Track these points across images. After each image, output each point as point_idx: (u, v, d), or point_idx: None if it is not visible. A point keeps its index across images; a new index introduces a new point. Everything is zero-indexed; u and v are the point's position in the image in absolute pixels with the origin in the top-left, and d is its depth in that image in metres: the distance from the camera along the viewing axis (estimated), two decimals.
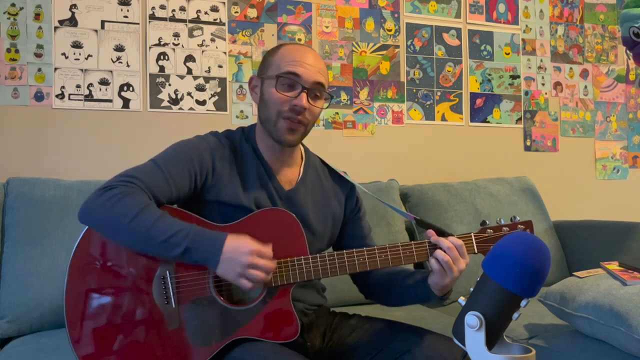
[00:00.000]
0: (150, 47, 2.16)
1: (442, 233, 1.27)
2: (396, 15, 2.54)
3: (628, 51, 2.07)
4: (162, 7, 2.18)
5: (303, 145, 1.42)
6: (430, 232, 1.26)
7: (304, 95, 1.24)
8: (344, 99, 2.43)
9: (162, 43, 2.17)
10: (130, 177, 1.16)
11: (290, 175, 1.35)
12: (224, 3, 2.27)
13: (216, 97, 2.24)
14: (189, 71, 2.21)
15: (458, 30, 2.65)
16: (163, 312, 1.15)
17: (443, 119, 2.60)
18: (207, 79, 2.23)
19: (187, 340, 1.15)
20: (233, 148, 1.31)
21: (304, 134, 1.29)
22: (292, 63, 1.24)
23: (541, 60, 2.81)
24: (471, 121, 2.66)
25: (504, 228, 1.30)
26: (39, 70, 2.02)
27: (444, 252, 1.20)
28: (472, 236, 1.28)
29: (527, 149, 2.77)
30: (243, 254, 1.10)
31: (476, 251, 1.28)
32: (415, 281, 1.30)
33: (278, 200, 1.30)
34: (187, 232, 1.10)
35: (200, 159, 1.24)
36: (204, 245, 1.11)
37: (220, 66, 2.25)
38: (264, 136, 1.31)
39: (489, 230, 1.29)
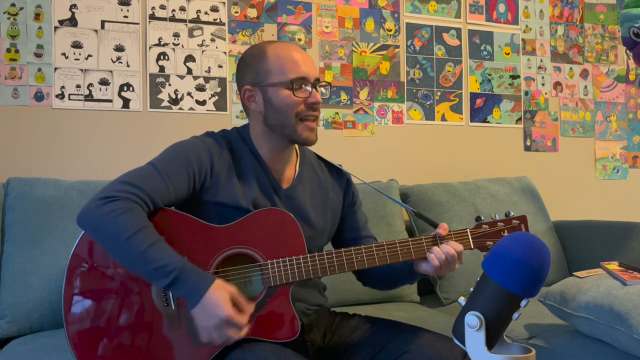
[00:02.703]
0: (150, 47, 2.16)
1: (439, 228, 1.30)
2: (396, 15, 2.54)
3: (628, 51, 2.07)
4: (162, 7, 2.18)
5: None
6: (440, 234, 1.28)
7: (315, 91, 1.27)
8: (344, 99, 2.43)
9: (162, 43, 2.17)
10: (132, 186, 1.15)
11: (287, 173, 1.35)
12: (224, 3, 2.27)
13: (216, 97, 2.24)
14: (189, 71, 2.21)
15: (458, 30, 2.65)
16: (163, 315, 1.15)
17: (443, 119, 2.60)
18: (207, 79, 2.23)
19: (187, 341, 1.15)
20: (230, 148, 1.31)
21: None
22: (295, 64, 1.26)
23: (541, 60, 2.81)
24: (471, 121, 2.66)
25: (499, 223, 1.32)
26: (39, 70, 2.02)
27: (441, 252, 1.23)
28: (468, 232, 1.30)
29: (527, 149, 2.77)
30: (217, 316, 1.08)
31: (472, 247, 1.30)
32: (410, 265, 1.32)
33: (277, 200, 1.31)
34: (176, 266, 1.09)
35: (198, 160, 1.23)
36: (189, 284, 1.10)
37: (220, 66, 2.25)
38: (268, 139, 1.30)
39: (484, 226, 1.31)
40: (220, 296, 1.10)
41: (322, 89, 1.31)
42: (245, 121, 2.24)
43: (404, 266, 1.33)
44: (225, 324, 1.09)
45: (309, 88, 1.26)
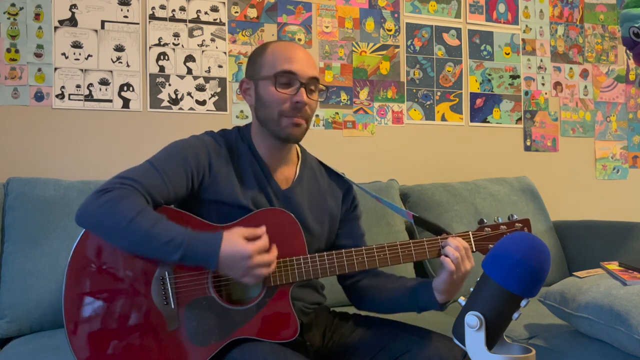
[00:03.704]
0: (150, 47, 2.16)
1: (440, 231, 1.28)
2: (396, 15, 2.54)
3: (628, 51, 2.07)
4: (162, 7, 2.18)
5: (299, 145, 1.42)
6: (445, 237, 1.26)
7: (302, 90, 1.24)
8: (344, 99, 2.43)
9: (162, 43, 2.17)
10: (128, 179, 1.16)
11: (286, 174, 1.35)
12: (224, 3, 2.27)
13: (216, 97, 2.24)
14: (189, 71, 2.21)
15: (458, 30, 2.65)
16: (162, 313, 1.15)
17: (443, 119, 2.60)
18: (207, 79, 2.23)
19: (186, 340, 1.15)
20: (229, 147, 1.31)
21: (306, 129, 1.30)
22: (286, 60, 1.25)
23: (541, 60, 2.81)
24: (471, 121, 2.66)
25: (502, 226, 1.31)
26: (39, 70, 2.02)
27: (453, 249, 1.20)
28: (471, 235, 1.29)
29: (527, 149, 2.77)
30: (242, 259, 1.11)
31: (474, 249, 1.28)
32: (417, 283, 1.30)
33: (275, 200, 1.30)
34: (183, 239, 1.10)
35: (196, 158, 1.24)
36: (200, 250, 1.11)
37: (220, 66, 2.25)
38: (264, 136, 1.31)
39: (486, 229, 1.30)
40: (233, 242, 1.11)
41: (316, 92, 1.29)
42: (248, 121, 2.25)
43: (415, 281, 1.32)
44: (253, 258, 1.11)
45: (295, 86, 1.25)
